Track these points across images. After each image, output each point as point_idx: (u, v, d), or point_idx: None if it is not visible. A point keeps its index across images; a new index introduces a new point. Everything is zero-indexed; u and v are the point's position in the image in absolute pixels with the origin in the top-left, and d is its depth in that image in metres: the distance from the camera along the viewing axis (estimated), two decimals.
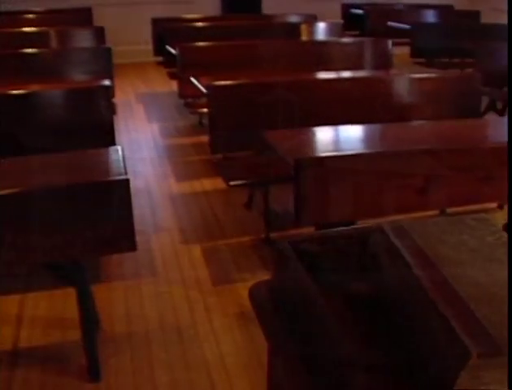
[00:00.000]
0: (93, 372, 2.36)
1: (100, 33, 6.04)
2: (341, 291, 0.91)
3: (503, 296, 0.69)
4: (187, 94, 4.93)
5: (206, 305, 2.88)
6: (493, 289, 0.71)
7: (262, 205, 3.49)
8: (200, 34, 5.72)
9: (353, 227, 0.90)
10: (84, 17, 7.50)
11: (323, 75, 4.62)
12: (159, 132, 5.59)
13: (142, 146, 5.19)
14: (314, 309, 0.74)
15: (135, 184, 4.33)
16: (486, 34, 6.75)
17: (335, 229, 0.91)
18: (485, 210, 0.99)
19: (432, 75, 4.18)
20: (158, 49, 6.18)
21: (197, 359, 2.50)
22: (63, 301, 2.81)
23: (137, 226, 3.69)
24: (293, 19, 7.18)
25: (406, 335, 0.77)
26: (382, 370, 0.75)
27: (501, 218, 0.98)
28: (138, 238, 3.53)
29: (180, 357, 2.51)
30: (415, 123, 3.76)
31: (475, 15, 8.13)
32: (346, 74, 4.73)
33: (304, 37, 6.40)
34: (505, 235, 0.83)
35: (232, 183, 3.12)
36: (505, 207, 0.98)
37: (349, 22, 7.87)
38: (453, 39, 6.59)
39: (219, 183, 4.04)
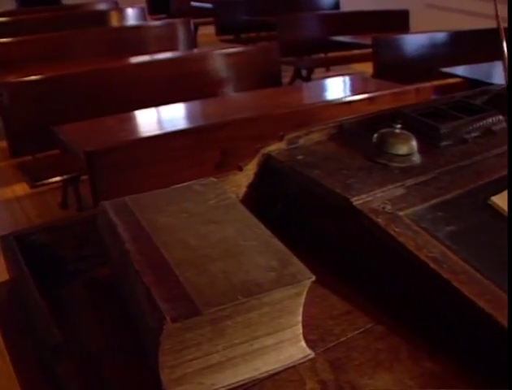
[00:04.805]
0: None
1: None
2: (80, 279, 0.89)
3: (212, 256, 0.72)
4: None
5: None
6: (203, 251, 0.72)
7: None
8: None
9: (81, 213, 0.88)
10: None
11: (133, 60, 4.54)
12: None
13: None
14: (32, 302, 0.72)
15: None
16: (288, 7, 7.01)
17: (70, 216, 0.89)
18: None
19: (233, 50, 4.27)
20: None
21: None
22: None
23: None
24: (97, 7, 6.94)
25: (132, 313, 0.78)
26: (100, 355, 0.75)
27: (240, 180, 1.01)
28: None
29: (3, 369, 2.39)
30: (222, 97, 3.84)
31: None
32: (155, 57, 4.69)
33: (112, 24, 6.23)
34: (229, 196, 0.86)
35: (36, 184, 2.98)
36: (245, 168, 1.01)
37: (154, 5, 7.81)
38: (257, 14, 6.76)
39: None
